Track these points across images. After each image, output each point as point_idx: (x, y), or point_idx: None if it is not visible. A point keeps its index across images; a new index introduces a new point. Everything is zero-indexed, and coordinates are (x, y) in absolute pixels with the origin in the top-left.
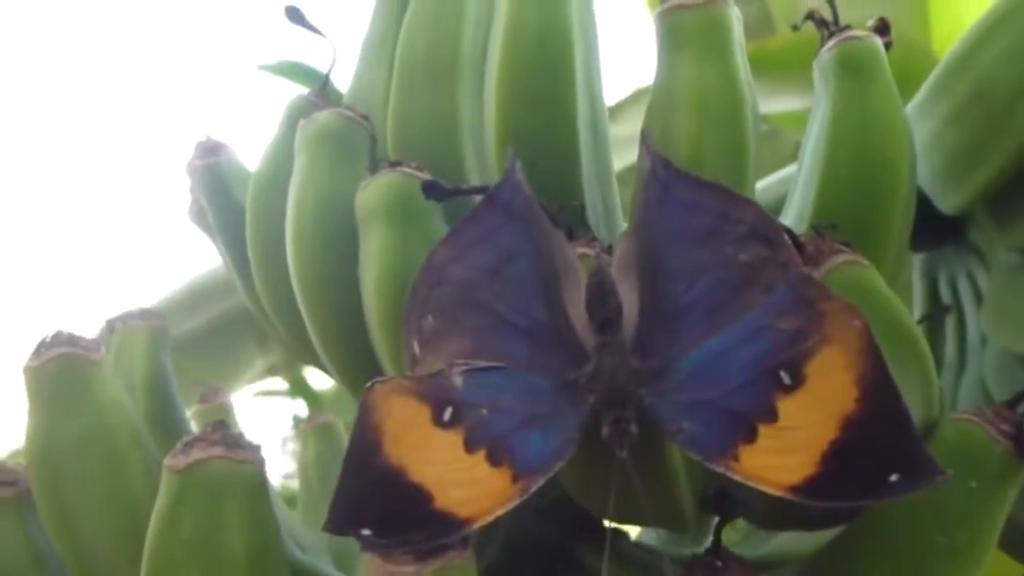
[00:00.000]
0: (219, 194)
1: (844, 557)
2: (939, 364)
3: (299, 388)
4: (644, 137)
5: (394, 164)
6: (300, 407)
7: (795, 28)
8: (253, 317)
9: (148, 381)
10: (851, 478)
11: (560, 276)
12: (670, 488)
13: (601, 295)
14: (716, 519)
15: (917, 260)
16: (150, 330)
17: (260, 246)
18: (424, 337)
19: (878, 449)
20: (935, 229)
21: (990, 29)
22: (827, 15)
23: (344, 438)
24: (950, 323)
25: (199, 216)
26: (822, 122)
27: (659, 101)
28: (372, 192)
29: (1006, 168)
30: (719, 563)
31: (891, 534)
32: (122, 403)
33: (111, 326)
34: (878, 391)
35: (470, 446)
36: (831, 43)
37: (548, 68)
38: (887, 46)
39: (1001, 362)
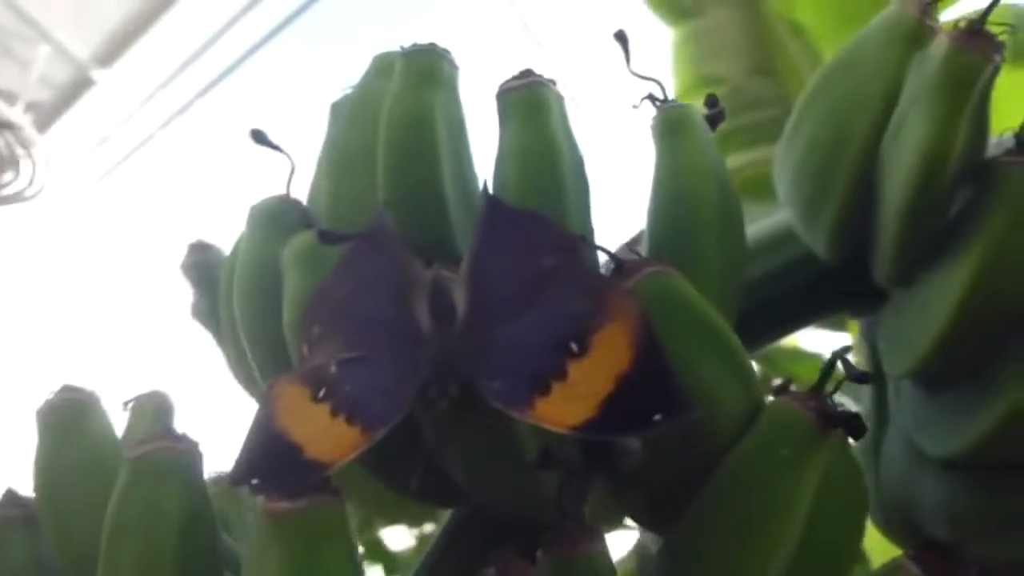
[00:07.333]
0: (206, 283)
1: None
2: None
3: (374, 551)
4: (483, 185)
5: (307, 227)
6: (377, 572)
7: (634, 107)
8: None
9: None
10: (622, 419)
11: (413, 290)
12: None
13: (436, 293)
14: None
15: (860, 325)
16: (156, 404)
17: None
18: (311, 342)
19: (645, 396)
20: (867, 295)
21: (816, 91)
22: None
23: None
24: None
25: (196, 311)
26: (652, 174)
27: (496, 159)
28: (290, 247)
29: (845, 202)
30: (568, 526)
31: (725, 497)
32: (110, 434)
33: (125, 405)
34: (647, 354)
35: (335, 412)
36: (655, 113)
37: (416, 141)
38: (719, 115)
39: (914, 406)
